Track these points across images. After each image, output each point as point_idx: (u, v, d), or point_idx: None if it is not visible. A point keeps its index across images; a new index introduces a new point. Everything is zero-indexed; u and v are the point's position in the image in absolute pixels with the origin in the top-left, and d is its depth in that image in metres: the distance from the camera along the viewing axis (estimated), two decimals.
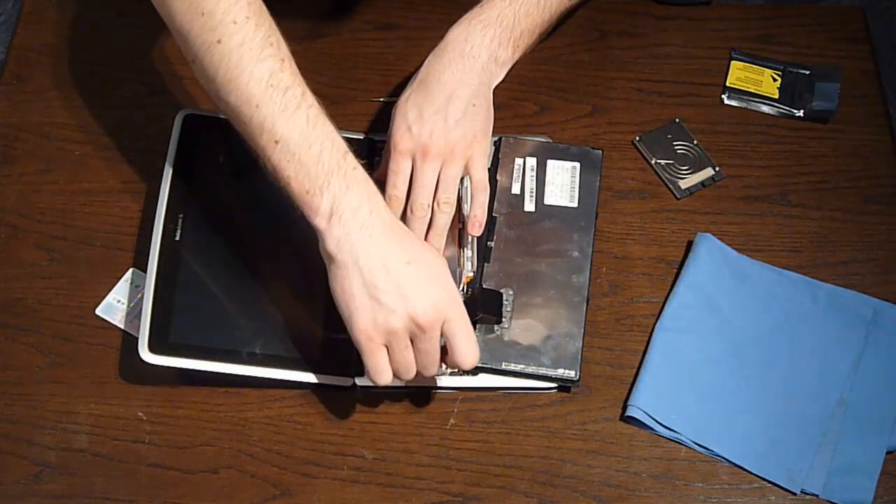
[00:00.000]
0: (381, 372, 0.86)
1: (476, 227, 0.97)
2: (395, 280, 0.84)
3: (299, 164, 0.85)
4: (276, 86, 0.85)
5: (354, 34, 1.14)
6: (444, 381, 0.94)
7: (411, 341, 0.85)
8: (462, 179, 0.96)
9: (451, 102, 0.95)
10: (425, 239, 0.96)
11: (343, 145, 0.87)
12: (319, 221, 0.85)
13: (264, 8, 0.89)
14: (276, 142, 0.85)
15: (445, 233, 0.97)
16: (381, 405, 0.94)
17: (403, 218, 0.96)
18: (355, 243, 0.84)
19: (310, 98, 0.87)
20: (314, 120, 0.86)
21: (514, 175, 1.02)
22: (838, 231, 1.03)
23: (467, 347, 0.87)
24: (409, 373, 0.87)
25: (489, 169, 1.03)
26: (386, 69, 1.11)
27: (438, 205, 0.95)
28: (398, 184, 0.95)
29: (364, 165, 0.87)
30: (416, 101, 0.96)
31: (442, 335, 0.86)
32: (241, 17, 0.86)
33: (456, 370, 0.92)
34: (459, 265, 0.98)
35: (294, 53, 1.12)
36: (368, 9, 1.15)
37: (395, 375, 0.87)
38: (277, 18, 1.15)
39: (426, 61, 0.99)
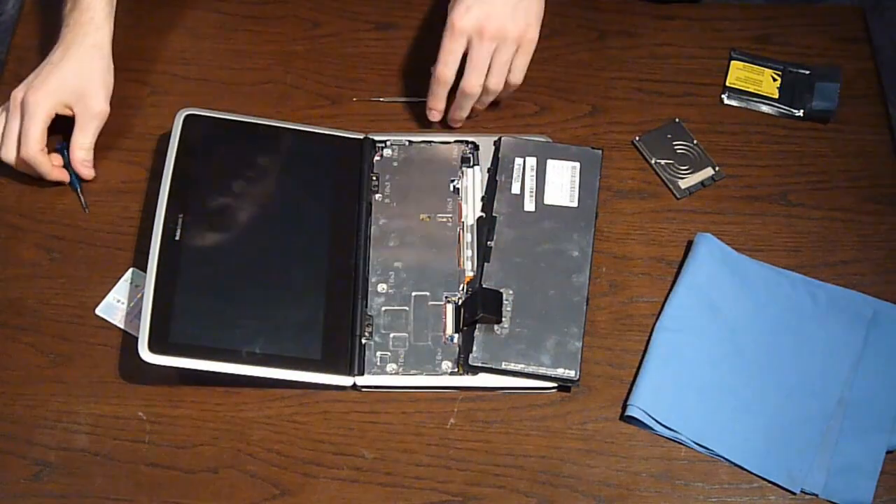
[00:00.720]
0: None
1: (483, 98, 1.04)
2: None
3: None
4: None
5: (354, 34, 1.14)
6: (444, 381, 0.94)
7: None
8: None
9: None
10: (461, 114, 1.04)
11: None
12: None
13: None
14: None
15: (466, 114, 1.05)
16: (381, 405, 0.94)
17: (450, 97, 1.03)
18: None
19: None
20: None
21: (514, 175, 1.02)
22: (838, 231, 1.03)
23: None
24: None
25: (489, 169, 1.03)
26: (386, 69, 1.11)
27: (486, 89, 1.01)
28: (450, 63, 1.01)
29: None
30: None
31: None
32: None
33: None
34: (459, 265, 0.98)
35: (294, 53, 1.12)
36: (368, 9, 1.15)
37: None
38: (279, 19, 1.16)
39: None
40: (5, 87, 1.09)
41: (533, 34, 1.01)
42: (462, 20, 0.99)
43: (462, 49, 1.00)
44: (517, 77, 1.02)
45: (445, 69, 1.01)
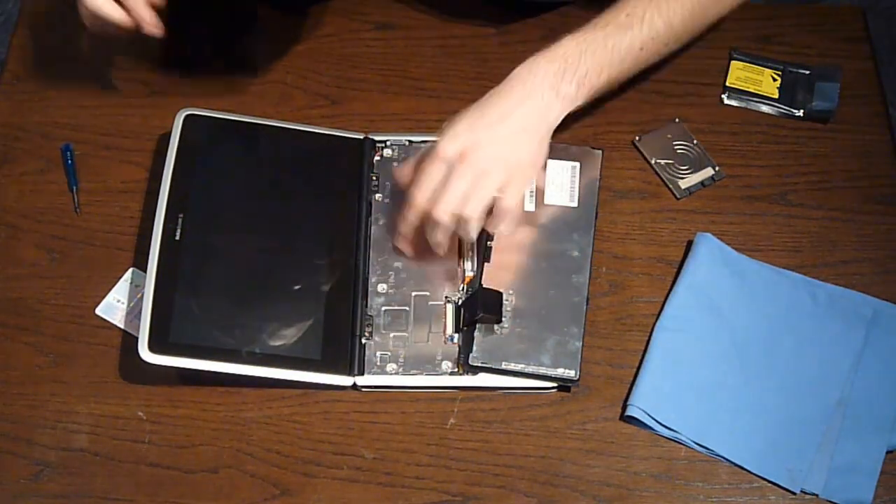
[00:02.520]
0: None
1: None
2: None
3: None
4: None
5: (354, 34, 1.14)
6: (444, 381, 0.94)
7: None
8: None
9: (505, 122, 0.93)
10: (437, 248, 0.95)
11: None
12: None
13: None
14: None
15: (455, 246, 0.97)
16: (381, 405, 0.94)
17: (420, 226, 0.94)
18: None
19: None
20: None
21: None
22: (838, 231, 1.03)
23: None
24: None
25: None
26: (386, 69, 1.11)
27: (462, 218, 0.92)
28: (424, 187, 0.92)
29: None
30: (470, 118, 0.94)
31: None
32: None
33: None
34: (459, 265, 0.98)
35: (294, 53, 1.12)
36: (368, 9, 1.15)
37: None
38: (279, 19, 1.15)
39: (488, 93, 0.96)
40: (5, 86, 1.10)
41: (528, 171, 0.94)
42: (447, 146, 0.91)
43: (440, 176, 0.91)
44: (508, 202, 0.92)
45: (418, 192, 0.92)
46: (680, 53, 1.12)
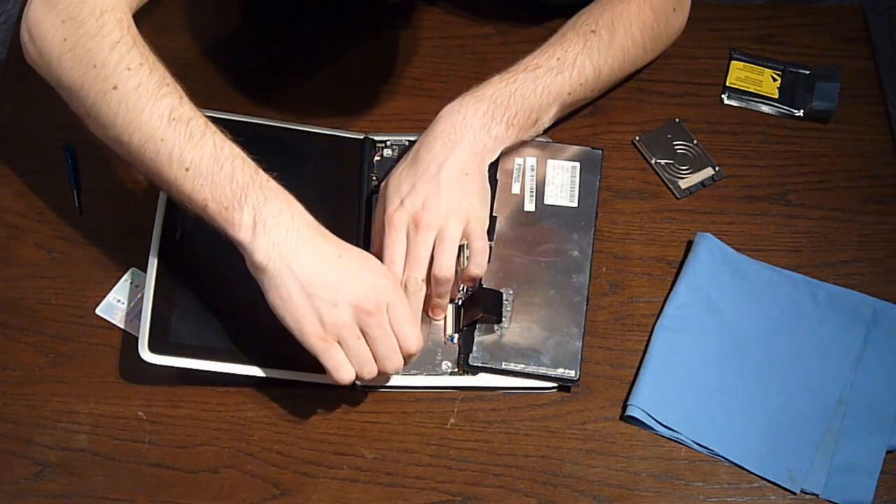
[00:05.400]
0: (342, 368, 0.87)
1: (470, 281, 0.96)
2: (331, 275, 0.85)
3: (213, 185, 0.85)
4: (178, 119, 0.86)
5: (355, 34, 1.14)
6: (444, 381, 0.94)
7: (363, 332, 0.86)
8: (461, 248, 0.94)
9: (443, 171, 0.93)
10: (428, 312, 0.96)
11: (252, 163, 0.87)
12: (244, 235, 0.85)
13: (156, 57, 0.90)
14: (187, 169, 0.86)
15: (445, 306, 0.96)
16: (381, 405, 0.94)
17: None
18: (284, 249, 0.85)
19: (213, 127, 0.88)
20: (221, 143, 0.87)
21: (514, 175, 1.02)
22: (838, 231, 1.03)
23: (410, 329, 0.87)
24: (369, 365, 0.87)
25: (489, 169, 1.02)
26: (386, 69, 1.11)
27: (435, 279, 0.93)
28: (395, 259, 0.92)
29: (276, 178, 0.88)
30: (409, 174, 0.95)
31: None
32: (135, 63, 0.87)
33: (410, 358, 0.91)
34: (459, 265, 0.98)
35: (294, 54, 1.12)
36: (368, 9, 1.15)
37: (358, 373, 0.87)
38: (279, 20, 1.15)
39: (420, 137, 0.97)
40: (5, 86, 1.10)
41: (478, 214, 0.94)
42: (397, 216, 0.92)
43: (404, 243, 0.93)
44: (475, 245, 0.93)
45: (393, 266, 0.92)
46: (680, 53, 1.12)
